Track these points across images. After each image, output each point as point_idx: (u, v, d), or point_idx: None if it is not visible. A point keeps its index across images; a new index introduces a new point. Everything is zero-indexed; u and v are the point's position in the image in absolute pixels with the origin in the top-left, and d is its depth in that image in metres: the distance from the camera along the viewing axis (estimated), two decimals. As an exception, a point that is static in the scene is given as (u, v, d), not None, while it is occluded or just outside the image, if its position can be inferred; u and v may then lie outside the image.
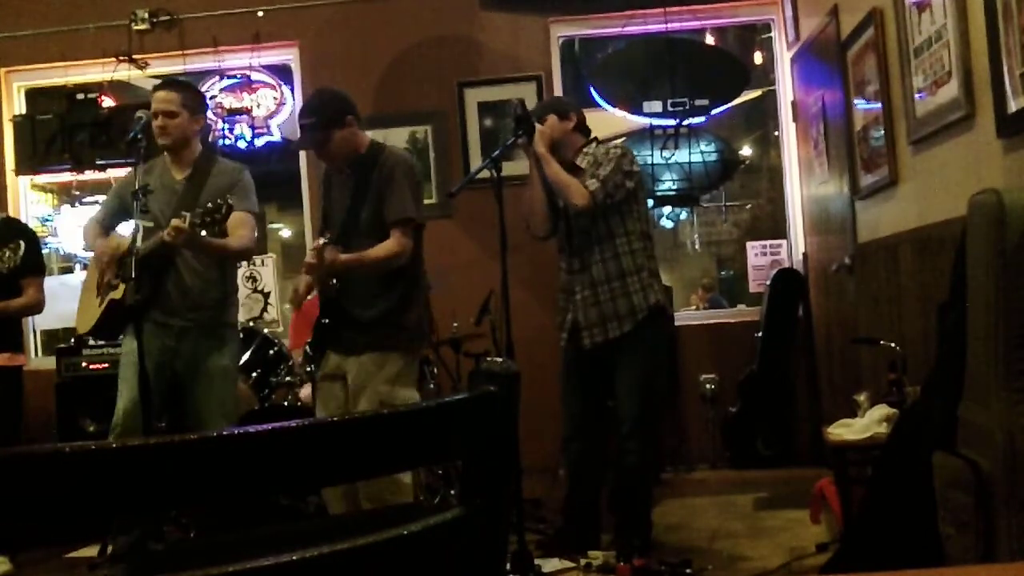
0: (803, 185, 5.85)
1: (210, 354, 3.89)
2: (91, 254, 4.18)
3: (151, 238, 3.64)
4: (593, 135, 4.04)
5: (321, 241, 3.43)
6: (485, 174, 3.81)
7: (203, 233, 3.52)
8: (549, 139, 3.83)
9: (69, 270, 6.70)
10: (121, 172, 5.63)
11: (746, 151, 10.37)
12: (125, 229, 4.07)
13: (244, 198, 3.87)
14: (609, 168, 3.79)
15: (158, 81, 4.32)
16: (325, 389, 3.65)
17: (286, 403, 4.61)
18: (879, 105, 4.04)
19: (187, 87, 4.10)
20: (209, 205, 3.51)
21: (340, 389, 3.61)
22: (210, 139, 6.03)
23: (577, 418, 3.98)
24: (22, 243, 4.41)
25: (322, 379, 3.67)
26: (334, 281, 3.57)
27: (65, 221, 6.37)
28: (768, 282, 5.75)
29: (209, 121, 6.04)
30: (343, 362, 3.60)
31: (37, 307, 4.60)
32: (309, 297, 3.75)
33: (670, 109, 5.67)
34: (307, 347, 3.87)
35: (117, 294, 3.80)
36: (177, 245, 3.59)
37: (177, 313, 3.85)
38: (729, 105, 6.12)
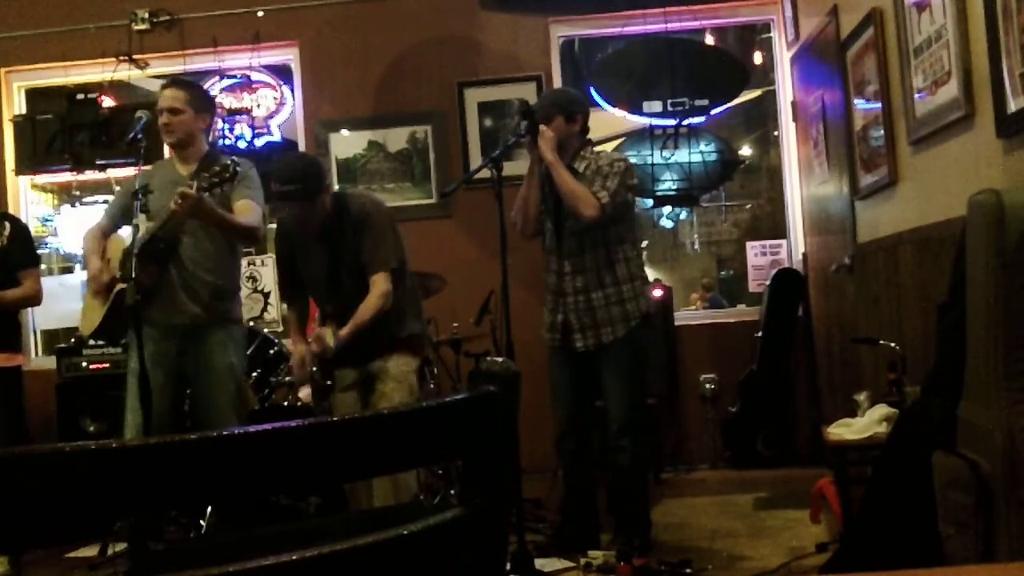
0: (803, 185, 5.85)
1: (217, 351, 3.83)
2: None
3: (155, 222, 3.61)
4: (588, 136, 4.04)
5: (327, 331, 3.59)
6: (485, 173, 3.80)
7: (209, 195, 3.52)
8: (555, 143, 3.82)
9: (69, 270, 6.68)
10: (121, 172, 5.64)
11: (746, 151, 10.37)
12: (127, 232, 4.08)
13: (249, 187, 3.86)
14: (616, 182, 3.80)
15: (161, 81, 4.34)
16: (340, 400, 3.77)
17: (286, 403, 4.61)
18: (879, 105, 4.04)
19: (194, 86, 4.16)
20: (216, 168, 3.51)
21: (354, 399, 3.75)
22: (210, 139, 6.03)
23: (568, 418, 4.01)
24: (7, 224, 4.35)
25: (340, 391, 3.78)
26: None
27: (65, 221, 6.37)
28: (768, 282, 5.75)
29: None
30: (364, 369, 3.73)
31: (35, 299, 4.51)
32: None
33: (670, 109, 5.67)
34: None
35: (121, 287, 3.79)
36: (184, 213, 3.53)
37: (182, 309, 3.78)
38: (729, 105, 6.12)
